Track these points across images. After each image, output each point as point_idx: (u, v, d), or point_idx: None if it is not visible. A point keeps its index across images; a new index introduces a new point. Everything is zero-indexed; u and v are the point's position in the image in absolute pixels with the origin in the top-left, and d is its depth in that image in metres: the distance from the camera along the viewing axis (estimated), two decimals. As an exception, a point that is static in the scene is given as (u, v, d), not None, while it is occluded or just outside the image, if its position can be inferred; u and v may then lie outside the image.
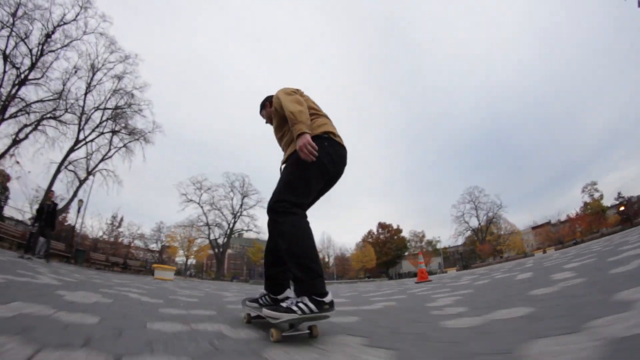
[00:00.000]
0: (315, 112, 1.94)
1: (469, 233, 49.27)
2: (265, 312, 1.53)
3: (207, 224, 39.40)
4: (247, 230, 41.23)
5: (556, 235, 42.22)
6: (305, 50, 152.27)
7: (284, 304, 1.53)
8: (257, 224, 40.57)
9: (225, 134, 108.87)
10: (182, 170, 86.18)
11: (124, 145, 25.60)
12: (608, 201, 40.36)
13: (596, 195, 40.78)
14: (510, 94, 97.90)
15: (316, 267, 1.56)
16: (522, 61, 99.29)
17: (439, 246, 50.48)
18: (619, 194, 39.79)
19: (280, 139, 2.06)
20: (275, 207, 1.68)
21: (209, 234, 39.54)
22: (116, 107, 24.86)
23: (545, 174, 73.39)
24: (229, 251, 44.69)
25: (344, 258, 50.88)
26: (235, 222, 40.59)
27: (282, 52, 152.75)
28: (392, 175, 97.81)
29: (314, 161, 1.68)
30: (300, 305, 1.48)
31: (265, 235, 42.89)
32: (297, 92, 1.98)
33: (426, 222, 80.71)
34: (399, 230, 51.35)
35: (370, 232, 52.83)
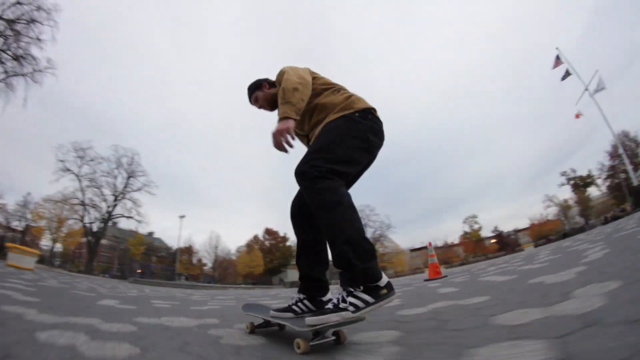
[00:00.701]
0: (340, 88, 1.77)
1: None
2: (312, 320, 1.20)
3: (83, 203, 32.21)
4: (128, 217, 34.32)
5: (443, 256, 48.87)
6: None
7: (330, 305, 1.27)
8: (140, 211, 34.25)
9: (119, 105, 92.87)
10: (63, 136, 71.58)
11: (4, 79, 18.32)
12: (486, 232, 50.57)
13: (475, 226, 49.79)
14: (409, 129, 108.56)
15: (371, 247, 1.29)
16: (429, 106, 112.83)
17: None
18: (496, 227, 51.32)
19: (300, 121, 1.76)
20: (310, 172, 1.39)
21: (83, 216, 32.47)
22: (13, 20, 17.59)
23: (429, 203, 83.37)
24: (103, 241, 36.99)
25: (228, 261, 47.84)
26: (115, 206, 33.80)
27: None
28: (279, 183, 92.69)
29: (361, 136, 1.52)
30: (352, 300, 1.22)
31: (146, 227, 37.41)
32: (306, 70, 1.77)
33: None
34: (285, 239, 50.44)
35: (256, 238, 50.64)
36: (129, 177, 34.68)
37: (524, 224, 51.80)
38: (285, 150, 1.46)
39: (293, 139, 1.46)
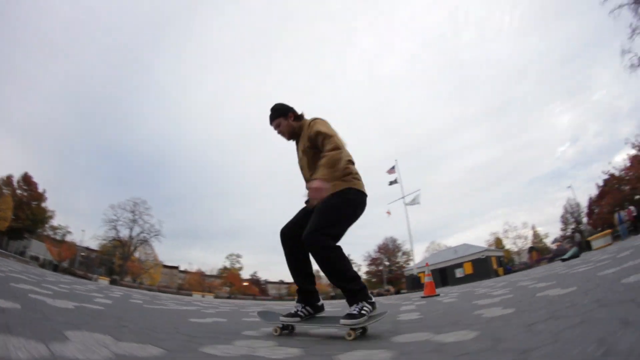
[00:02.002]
0: (351, 161, 2.23)
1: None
2: (348, 322, 1.81)
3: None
4: None
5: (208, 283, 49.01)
6: None
7: (354, 312, 1.86)
8: None
9: None
10: None
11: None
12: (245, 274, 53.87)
13: (237, 265, 52.51)
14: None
15: (359, 280, 1.99)
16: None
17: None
18: (255, 272, 56.32)
19: (309, 168, 2.21)
20: (321, 241, 1.97)
21: None
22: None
23: (207, 225, 78.31)
24: None
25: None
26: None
27: None
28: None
29: (356, 209, 2.13)
30: (365, 309, 1.88)
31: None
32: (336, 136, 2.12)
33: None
34: (42, 197, 36.08)
35: (9, 179, 33.91)
36: None
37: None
38: (322, 196, 1.95)
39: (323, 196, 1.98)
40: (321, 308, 2.25)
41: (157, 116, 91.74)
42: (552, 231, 48.44)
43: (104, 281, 25.63)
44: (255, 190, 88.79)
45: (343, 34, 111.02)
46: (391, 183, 29.18)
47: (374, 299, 2.00)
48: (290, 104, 2.35)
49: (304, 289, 2.23)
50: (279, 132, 2.34)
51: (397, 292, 32.05)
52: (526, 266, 29.89)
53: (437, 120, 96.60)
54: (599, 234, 18.71)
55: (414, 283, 27.77)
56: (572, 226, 43.90)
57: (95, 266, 42.87)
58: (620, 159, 67.19)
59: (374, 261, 52.68)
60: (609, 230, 18.42)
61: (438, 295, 7.54)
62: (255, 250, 78.77)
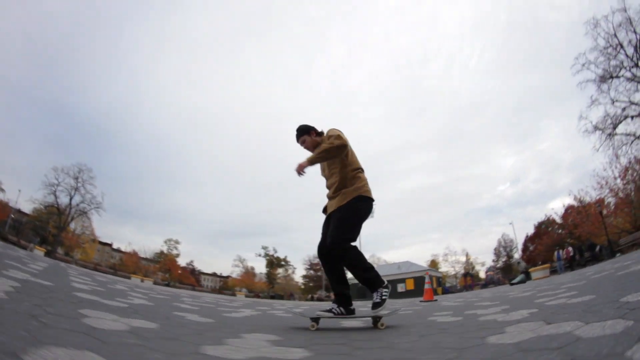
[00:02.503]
0: (360, 169, 2.66)
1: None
2: (376, 311, 2.32)
3: None
4: None
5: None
6: None
7: (377, 300, 2.33)
8: None
9: None
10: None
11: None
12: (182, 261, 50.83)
13: (174, 251, 48.47)
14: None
15: (374, 269, 2.46)
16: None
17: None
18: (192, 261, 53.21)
19: (328, 176, 2.69)
20: (338, 247, 2.45)
21: None
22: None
23: (155, 204, 72.82)
24: None
25: None
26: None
27: None
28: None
29: (364, 215, 2.57)
30: (384, 294, 2.35)
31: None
32: (343, 139, 2.56)
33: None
34: None
35: None
36: None
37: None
38: (299, 175, 2.48)
39: (301, 174, 2.49)
40: (352, 312, 2.57)
41: (115, 83, 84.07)
42: (482, 260, 51.66)
43: (40, 252, 22.92)
44: (199, 178, 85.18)
45: (317, 38, 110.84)
46: None
47: (386, 282, 2.43)
48: (311, 123, 2.81)
49: (339, 292, 2.57)
50: (305, 147, 2.76)
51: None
52: (457, 289, 32.03)
53: (388, 140, 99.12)
54: (538, 267, 21.47)
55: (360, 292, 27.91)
56: (504, 259, 48.12)
57: (26, 232, 38.98)
58: (555, 206, 76.38)
59: (313, 266, 52.25)
60: (547, 265, 21.15)
61: (436, 300, 8.59)
62: (191, 239, 74.40)
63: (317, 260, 51.80)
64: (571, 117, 72.33)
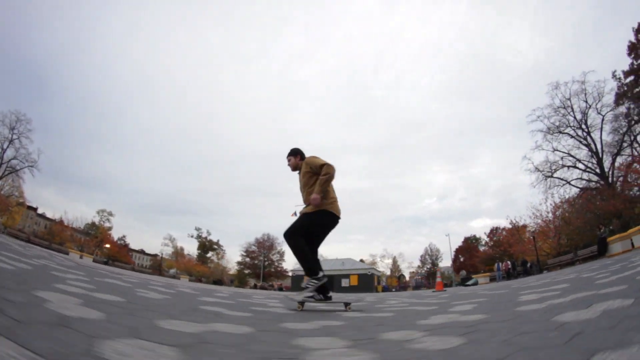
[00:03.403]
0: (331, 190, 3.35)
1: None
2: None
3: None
4: None
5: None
6: None
7: (302, 285, 3.32)
8: None
9: None
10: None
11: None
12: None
13: (107, 224, 45.51)
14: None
15: (310, 262, 3.18)
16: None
17: None
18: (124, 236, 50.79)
19: (304, 190, 3.35)
20: (288, 237, 3.20)
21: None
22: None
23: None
24: None
25: None
26: None
27: None
28: None
29: (322, 228, 3.31)
30: (310, 283, 3.13)
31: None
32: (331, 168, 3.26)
33: None
34: None
35: None
36: None
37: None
38: (318, 205, 3.17)
39: (319, 204, 3.20)
40: (329, 298, 3.21)
41: (57, 26, 79.11)
42: (405, 265, 57.58)
43: None
44: (130, 145, 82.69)
45: (277, 21, 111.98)
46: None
47: (321, 274, 3.13)
48: (300, 147, 3.60)
49: (313, 265, 3.20)
50: (288, 164, 3.54)
51: (280, 289, 34.08)
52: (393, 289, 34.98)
53: (327, 137, 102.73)
54: (481, 274, 27.14)
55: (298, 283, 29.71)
56: (429, 265, 54.32)
57: None
58: (477, 225, 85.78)
59: (249, 253, 52.45)
60: (488, 273, 26.69)
61: (445, 290, 10.42)
62: (118, 211, 69.72)
63: (253, 248, 52.53)
64: (504, 150, 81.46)
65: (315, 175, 3.25)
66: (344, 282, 33.63)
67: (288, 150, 3.57)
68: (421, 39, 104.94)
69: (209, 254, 52.66)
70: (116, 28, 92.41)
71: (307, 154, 3.54)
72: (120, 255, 43.98)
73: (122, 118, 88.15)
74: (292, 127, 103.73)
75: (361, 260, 40.73)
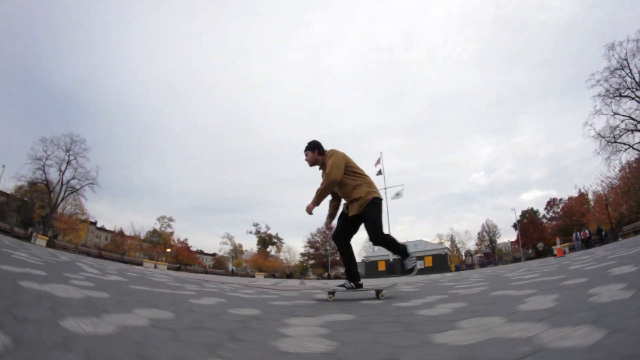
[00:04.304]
0: (362, 175, 3.13)
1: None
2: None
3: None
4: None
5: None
6: None
7: (410, 264, 3.04)
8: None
9: None
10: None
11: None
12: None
13: (168, 230, 46.16)
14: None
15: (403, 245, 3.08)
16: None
17: None
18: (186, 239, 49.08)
19: (340, 187, 3.12)
20: (381, 237, 2.97)
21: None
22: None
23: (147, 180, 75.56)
24: None
25: None
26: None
27: None
28: None
29: (381, 212, 3.08)
30: (413, 259, 3.09)
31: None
32: (344, 159, 3.09)
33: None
34: None
35: None
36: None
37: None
38: (310, 214, 3.07)
39: (311, 214, 3.08)
40: (361, 286, 3.09)
41: (84, 54, 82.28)
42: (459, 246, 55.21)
43: (42, 241, 19.37)
44: (169, 150, 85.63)
45: (300, 10, 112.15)
46: (377, 174, 30.52)
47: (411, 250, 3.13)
48: (319, 140, 3.28)
49: (350, 269, 3.11)
50: (306, 159, 3.24)
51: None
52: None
53: (363, 120, 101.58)
54: (562, 244, 24.82)
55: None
56: (487, 242, 51.75)
57: (8, 215, 34.13)
58: (527, 197, 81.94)
59: (313, 244, 51.71)
60: (567, 244, 25.45)
61: (565, 255, 10.99)
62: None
63: (316, 238, 51.60)
64: (549, 116, 77.81)
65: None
66: (418, 265, 32.79)
67: (305, 145, 3.27)
68: (445, 9, 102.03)
69: (269, 248, 52.26)
70: (138, 40, 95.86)
71: (335, 144, 3.24)
72: (190, 259, 44.34)
73: (158, 125, 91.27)
74: (327, 114, 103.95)
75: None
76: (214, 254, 54.91)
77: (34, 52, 67.03)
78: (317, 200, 3.03)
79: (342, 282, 3.21)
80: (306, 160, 3.24)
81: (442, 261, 32.62)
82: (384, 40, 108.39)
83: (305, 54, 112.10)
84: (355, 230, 3.16)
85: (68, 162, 35.45)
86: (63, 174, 35.36)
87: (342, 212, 3.22)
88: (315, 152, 3.20)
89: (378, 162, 30.66)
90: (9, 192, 35.61)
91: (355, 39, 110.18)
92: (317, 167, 3.27)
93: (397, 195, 28.82)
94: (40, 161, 34.18)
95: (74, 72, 76.15)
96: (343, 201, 3.26)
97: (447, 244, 50.71)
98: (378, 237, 2.94)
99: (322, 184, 3.02)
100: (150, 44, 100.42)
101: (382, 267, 34.97)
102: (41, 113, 59.50)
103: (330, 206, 3.38)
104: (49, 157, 34.60)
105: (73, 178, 35.83)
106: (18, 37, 60.60)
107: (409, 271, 2.98)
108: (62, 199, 35.80)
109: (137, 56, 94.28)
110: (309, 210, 3.05)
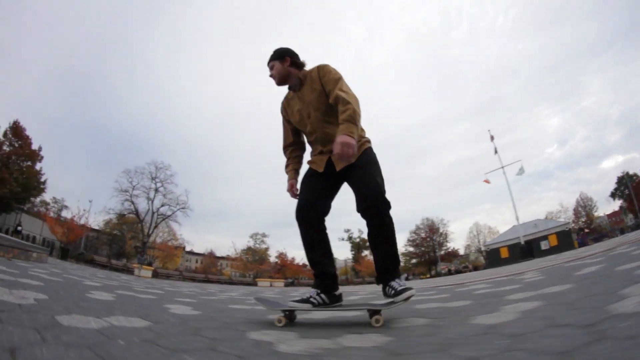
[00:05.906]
0: None
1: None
2: (386, 303, 1.71)
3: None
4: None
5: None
6: None
7: (395, 288, 1.71)
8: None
9: None
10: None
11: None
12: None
13: (263, 246, 44.95)
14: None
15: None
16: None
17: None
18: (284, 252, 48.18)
19: (326, 123, 1.99)
20: (387, 203, 1.83)
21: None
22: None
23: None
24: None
25: None
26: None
27: None
28: None
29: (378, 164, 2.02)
30: (402, 283, 1.77)
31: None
32: None
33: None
34: (35, 155, 28.51)
35: None
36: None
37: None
38: (351, 161, 1.78)
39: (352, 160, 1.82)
40: (339, 298, 1.94)
41: (142, 93, 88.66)
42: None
43: (148, 272, 19.32)
44: (234, 173, 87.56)
45: (332, 20, 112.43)
46: (495, 152, 28.77)
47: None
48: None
49: (322, 270, 1.92)
50: (271, 76, 2.14)
51: (475, 269, 32.08)
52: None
53: (420, 113, 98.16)
54: None
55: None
56: (583, 219, 47.44)
57: (99, 248, 35.04)
58: (608, 165, 74.08)
59: (419, 241, 49.34)
60: None
61: None
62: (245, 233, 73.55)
63: (425, 235, 48.59)
64: (611, 69, 71.11)
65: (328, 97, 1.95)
66: (544, 245, 30.19)
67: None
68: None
69: (364, 253, 50.34)
70: (191, 73, 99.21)
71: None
72: (299, 272, 43.63)
73: (225, 149, 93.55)
74: (382, 113, 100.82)
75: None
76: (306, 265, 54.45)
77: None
78: (355, 130, 1.77)
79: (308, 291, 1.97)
80: (272, 75, 2.12)
81: (567, 238, 29.99)
82: (422, 26, 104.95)
83: (349, 62, 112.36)
84: (333, 194, 2.08)
85: (156, 190, 35.66)
86: (152, 201, 35.53)
87: (312, 172, 2.09)
88: (285, 61, 2.06)
89: (492, 139, 28.88)
90: (98, 227, 36.26)
91: (392, 32, 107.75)
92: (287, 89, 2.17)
93: (521, 170, 27.44)
94: (127, 192, 34.47)
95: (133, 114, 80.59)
96: (307, 155, 2.22)
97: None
98: (380, 198, 1.82)
99: (355, 104, 1.82)
100: (203, 74, 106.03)
101: (504, 253, 32.73)
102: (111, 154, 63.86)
103: (292, 159, 2.23)
104: (136, 187, 34.93)
105: (163, 205, 35.95)
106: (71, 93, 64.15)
107: (397, 294, 1.68)
108: (155, 226, 35.72)
109: (190, 88, 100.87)
110: (354, 149, 1.74)
